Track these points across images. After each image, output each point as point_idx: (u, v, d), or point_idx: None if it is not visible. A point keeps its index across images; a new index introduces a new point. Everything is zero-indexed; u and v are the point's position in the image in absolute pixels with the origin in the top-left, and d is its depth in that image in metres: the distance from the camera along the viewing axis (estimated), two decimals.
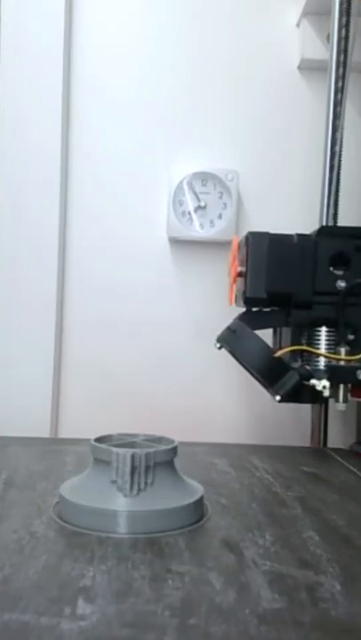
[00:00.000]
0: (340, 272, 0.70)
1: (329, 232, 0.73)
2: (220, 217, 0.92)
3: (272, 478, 0.65)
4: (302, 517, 0.53)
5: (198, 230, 0.92)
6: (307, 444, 0.89)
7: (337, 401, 0.69)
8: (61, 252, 0.93)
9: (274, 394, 0.68)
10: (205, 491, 0.53)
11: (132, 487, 0.48)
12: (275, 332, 0.78)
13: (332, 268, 0.70)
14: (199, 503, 0.51)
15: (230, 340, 0.71)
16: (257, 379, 0.73)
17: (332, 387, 0.67)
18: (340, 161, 0.78)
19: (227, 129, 0.95)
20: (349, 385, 0.69)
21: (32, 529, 0.47)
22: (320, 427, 0.87)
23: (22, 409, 0.90)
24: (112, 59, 0.95)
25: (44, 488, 0.58)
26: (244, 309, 0.73)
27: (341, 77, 0.78)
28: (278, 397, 0.67)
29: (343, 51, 0.78)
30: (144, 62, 0.95)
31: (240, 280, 0.72)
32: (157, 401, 0.93)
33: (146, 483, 0.49)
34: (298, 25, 0.94)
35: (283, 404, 0.95)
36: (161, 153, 0.95)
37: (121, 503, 0.48)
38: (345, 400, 0.68)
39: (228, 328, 0.72)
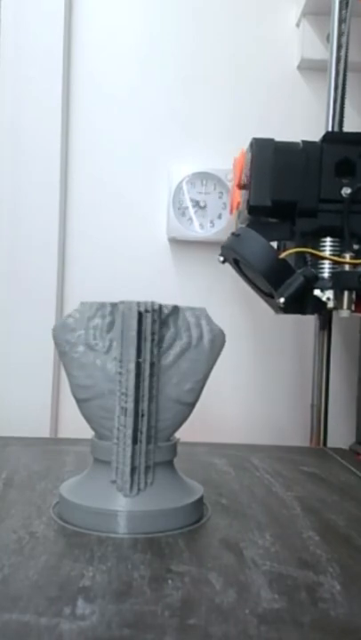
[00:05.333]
0: (345, 181, 0.69)
1: (334, 138, 0.72)
2: (219, 217, 0.92)
3: (272, 478, 0.65)
4: (302, 517, 0.53)
5: (198, 230, 0.92)
6: (307, 443, 0.89)
7: (341, 308, 0.68)
8: (61, 251, 0.93)
9: (278, 297, 0.66)
10: (205, 491, 0.53)
11: (131, 487, 0.48)
12: (279, 248, 0.77)
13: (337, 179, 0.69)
14: (199, 503, 0.51)
15: (234, 244, 0.70)
16: (260, 290, 0.71)
17: (336, 297, 0.66)
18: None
19: (226, 129, 0.95)
20: (354, 294, 0.68)
21: (32, 529, 0.47)
22: (320, 427, 0.87)
23: (22, 409, 0.90)
24: (112, 58, 0.95)
25: (44, 488, 0.58)
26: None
27: (341, 77, 0.78)
28: (282, 300, 0.66)
29: (343, 50, 0.78)
30: (144, 62, 0.95)
31: (244, 194, 0.71)
32: None
33: (146, 483, 0.49)
34: (298, 25, 0.94)
35: (283, 403, 0.95)
36: (161, 153, 0.95)
37: (121, 503, 0.48)
38: (349, 307, 0.67)
39: (233, 233, 0.71)
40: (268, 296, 0.71)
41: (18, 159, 0.91)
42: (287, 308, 0.67)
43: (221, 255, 0.73)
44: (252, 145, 0.69)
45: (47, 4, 0.91)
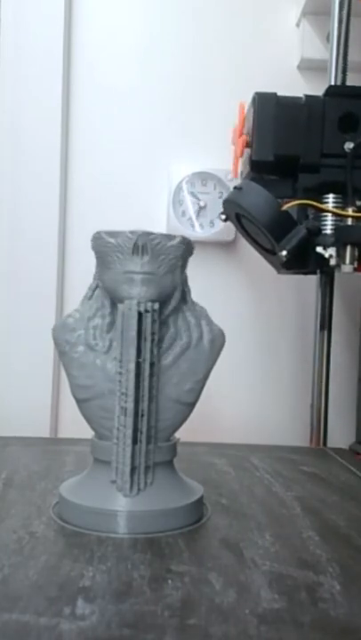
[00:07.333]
0: (348, 136, 0.68)
1: (338, 92, 0.71)
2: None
3: (272, 478, 0.65)
4: (302, 517, 0.53)
5: (198, 230, 0.92)
6: (307, 444, 0.89)
7: (344, 263, 0.67)
8: (61, 251, 0.93)
9: (280, 250, 0.65)
10: (205, 491, 0.53)
11: (131, 487, 0.48)
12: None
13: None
14: (199, 503, 0.51)
15: (236, 197, 0.69)
16: (262, 247, 0.69)
17: (338, 254, 0.66)
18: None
19: (226, 128, 0.95)
20: (356, 251, 0.67)
21: (32, 529, 0.47)
22: (320, 427, 0.87)
23: (22, 409, 0.90)
24: (112, 58, 0.95)
25: (44, 488, 0.58)
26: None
27: (341, 77, 0.78)
28: (284, 253, 0.65)
29: (343, 50, 0.78)
30: (144, 62, 0.95)
31: (246, 154, 0.70)
32: None
33: (145, 483, 0.49)
34: (298, 25, 0.94)
35: (283, 403, 0.95)
36: (161, 153, 0.95)
37: (121, 503, 0.48)
38: (351, 262, 0.67)
39: (235, 187, 0.70)
40: (270, 253, 0.70)
41: (18, 159, 0.91)
42: (289, 263, 0.66)
43: (223, 213, 0.72)
44: (254, 99, 0.68)
45: (47, 4, 0.90)
